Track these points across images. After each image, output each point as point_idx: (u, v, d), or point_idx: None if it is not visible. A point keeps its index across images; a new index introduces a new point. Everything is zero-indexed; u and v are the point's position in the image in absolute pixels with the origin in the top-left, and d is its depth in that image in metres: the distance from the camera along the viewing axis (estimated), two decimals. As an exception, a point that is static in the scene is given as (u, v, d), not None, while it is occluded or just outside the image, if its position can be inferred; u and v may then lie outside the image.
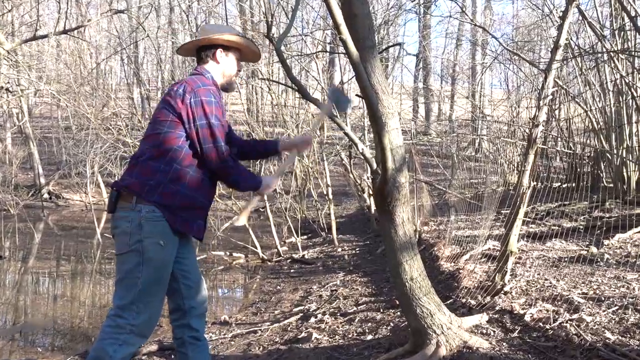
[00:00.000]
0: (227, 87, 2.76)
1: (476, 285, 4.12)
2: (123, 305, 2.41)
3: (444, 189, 9.87)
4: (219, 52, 2.71)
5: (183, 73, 19.78)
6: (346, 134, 3.06)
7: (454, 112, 20.22)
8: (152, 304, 2.44)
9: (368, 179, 9.58)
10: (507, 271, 3.87)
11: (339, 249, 8.07)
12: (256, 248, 8.15)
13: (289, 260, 7.90)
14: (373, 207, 9.06)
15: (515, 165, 8.96)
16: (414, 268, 3.06)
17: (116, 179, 2.99)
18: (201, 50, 2.73)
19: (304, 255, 8.07)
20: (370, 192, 9.26)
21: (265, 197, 9.18)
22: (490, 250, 5.19)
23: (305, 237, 9.92)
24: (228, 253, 8.49)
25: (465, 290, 4.09)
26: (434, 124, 20.50)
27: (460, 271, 4.71)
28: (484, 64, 16.22)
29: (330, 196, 9.15)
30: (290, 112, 11.39)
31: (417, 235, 6.71)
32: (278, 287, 6.39)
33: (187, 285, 2.63)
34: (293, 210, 10.80)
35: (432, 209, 8.40)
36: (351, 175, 9.83)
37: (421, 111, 23.43)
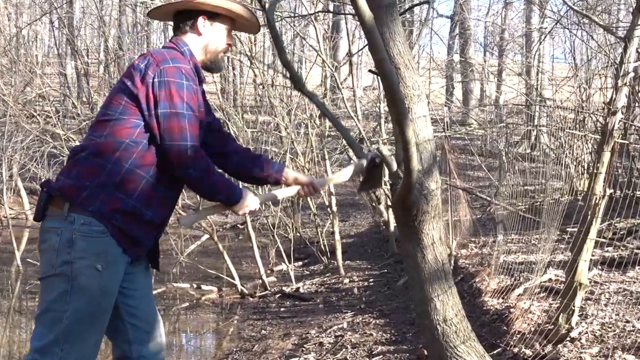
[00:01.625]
0: (212, 66, 2.79)
1: (533, 329, 4.12)
2: (43, 346, 2.39)
3: (488, 198, 9.86)
4: (201, 21, 2.71)
5: (136, 42, 19.83)
6: (346, 137, 3.07)
7: (502, 95, 20.23)
8: (82, 347, 2.43)
9: (386, 184, 9.59)
10: (574, 310, 3.87)
11: (346, 280, 8.07)
12: (233, 278, 8.15)
13: (278, 295, 7.89)
14: (392, 223, 9.06)
15: (585, 167, 8.96)
16: (448, 306, 3.07)
17: (49, 179, 2.96)
18: (179, 16, 2.73)
19: (298, 289, 8.05)
20: (389, 203, 9.26)
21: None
22: (552, 282, 5.18)
23: (300, 263, 9.90)
24: (195, 285, 8.48)
25: (519, 336, 4.09)
26: (474, 110, 20.51)
27: (512, 310, 4.71)
28: (543, 30, 16.24)
29: (335, 208, 9.16)
30: (279, 94, 11.41)
31: (453, 262, 6.71)
32: (263, 332, 6.38)
33: (136, 327, 2.64)
34: (284, 227, 10.79)
35: (473, 226, 8.40)
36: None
37: (457, 93, 23.45)
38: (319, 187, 3.00)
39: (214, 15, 2.71)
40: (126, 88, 2.53)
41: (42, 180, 2.86)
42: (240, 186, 2.81)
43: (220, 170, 2.76)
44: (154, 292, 7.63)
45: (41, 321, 2.44)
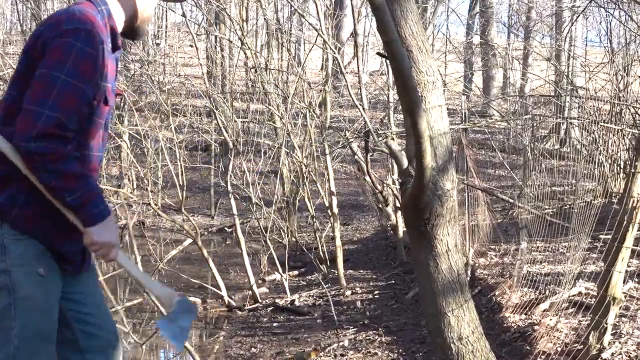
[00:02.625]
0: (134, 33, 2.70)
1: (560, 349, 4.14)
2: None
3: (510, 200, 9.87)
4: None
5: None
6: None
7: (528, 83, 20.25)
8: None
9: (394, 183, 9.59)
10: (607, 328, 3.89)
11: (348, 292, 8.09)
12: (220, 289, 8.17)
13: (270, 309, 7.91)
14: (402, 228, 9.07)
15: (622, 166, 8.97)
16: (463, 322, 3.09)
17: None
18: None
19: (293, 301, 8.07)
20: (398, 205, 9.27)
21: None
22: (582, 296, 5.20)
23: (295, 272, 9.92)
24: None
25: (543, 357, 4.10)
26: (496, 100, 20.54)
27: (536, 328, 4.73)
28: (575, 9, 16.26)
29: (336, 210, 9.18)
30: (274, 79, 11.43)
31: (469, 272, 6.73)
32: (253, 350, 6.40)
33: (88, 333, 2.60)
34: (278, 231, 10.82)
35: (493, 232, 8.42)
36: (368, 178, 9.85)
37: (477, 80, 23.47)
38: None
39: None
40: (22, 55, 2.46)
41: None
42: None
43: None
44: (129, 303, 7.70)
45: None
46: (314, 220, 10.37)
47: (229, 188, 9.34)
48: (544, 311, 5.08)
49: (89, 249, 2.49)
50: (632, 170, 3.92)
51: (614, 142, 8.89)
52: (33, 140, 2.25)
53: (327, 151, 9.43)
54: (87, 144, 2.50)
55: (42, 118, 2.26)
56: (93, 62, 2.39)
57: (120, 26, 2.62)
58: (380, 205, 10.61)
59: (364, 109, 8.73)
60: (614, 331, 4.11)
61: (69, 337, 2.57)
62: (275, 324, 7.23)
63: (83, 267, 2.61)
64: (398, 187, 9.14)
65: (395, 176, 9.59)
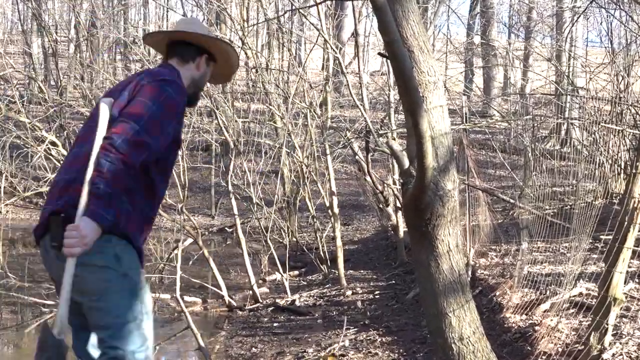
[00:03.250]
0: (193, 100, 3.26)
1: (561, 349, 4.13)
2: (135, 349, 2.93)
3: (511, 200, 9.87)
4: (204, 60, 3.23)
5: (111, 17, 19.82)
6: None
7: (529, 83, 20.25)
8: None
9: (395, 183, 9.59)
10: (607, 329, 3.89)
11: (349, 292, 8.09)
12: (220, 289, 8.17)
13: (270, 309, 7.91)
14: (402, 228, 9.07)
15: (622, 166, 8.97)
16: (464, 322, 3.09)
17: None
18: (179, 46, 3.22)
19: (294, 301, 8.07)
20: (399, 205, 9.27)
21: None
22: (583, 296, 5.19)
23: (296, 272, 9.92)
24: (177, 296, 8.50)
25: (544, 357, 4.10)
26: (497, 100, 20.54)
27: (537, 328, 4.73)
28: (576, 9, 16.26)
29: (336, 210, 9.18)
30: (275, 79, 11.43)
31: (470, 272, 6.72)
32: (253, 350, 6.40)
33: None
34: (278, 231, 10.82)
35: (493, 232, 8.42)
36: (369, 179, 9.86)
37: (478, 80, 23.47)
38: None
39: (213, 58, 3.24)
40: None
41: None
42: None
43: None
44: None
45: (125, 331, 2.89)
46: (315, 220, 10.37)
47: (230, 188, 9.34)
48: (544, 312, 5.07)
49: (67, 231, 2.70)
50: (633, 171, 3.91)
51: (615, 142, 8.89)
52: (120, 139, 2.72)
53: (327, 151, 9.42)
54: (157, 173, 2.98)
55: (134, 131, 2.76)
56: (177, 108, 2.96)
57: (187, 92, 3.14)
58: (381, 206, 10.61)
59: (364, 109, 8.73)
60: (614, 332, 4.11)
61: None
62: (275, 324, 7.23)
63: None
64: (399, 187, 9.14)
65: (396, 176, 9.60)
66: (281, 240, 10.53)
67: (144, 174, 2.90)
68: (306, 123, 10.08)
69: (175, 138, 3.01)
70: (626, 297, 4.61)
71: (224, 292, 8.15)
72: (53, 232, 2.82)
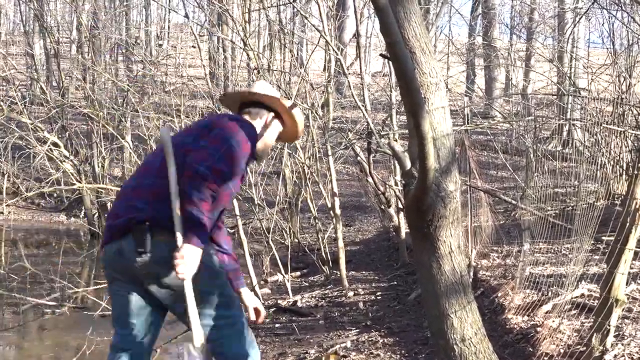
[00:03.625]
0: (261, 156, 3.62)
1: (562, 351, 4.13)
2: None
3: (513, 201, 9.87)
4: (271, 117, 3.58)
5: (113, 18, 19.82)
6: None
7: (531, 84, 20.24)
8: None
9: (397, 184, 9.59)
10: (609, 330, 3.89)
11: (351, 293, 8.09)
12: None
13: (272, 310, 7.91)
14: (404, 229, 9.07)
15: (624, 167, 8.96)
16: (466, 323, 3.09)
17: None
18: (251, 105, 3.60)
19: (295, 302, 8.07)
20: (401, 206, 9.26)
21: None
22: (585, 297, 5.19)
23: (298, 273, 9.92)
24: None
25: (546, 358, 4.10)
26: (498, 101, 20.54)
27: (538, 329, 4.73)
28: (578, 10, 16.26)
29: (338, 211, 9.17)
30: (276, 81, 11.43)
31: (472, 273, 6.72)
32: (255, 351, 6.40)
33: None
34: (280, 232, 10.82)
35: (495, 233, 8.42)
36: (370, 180, 9.86)
37: (479, 81, 23.47)
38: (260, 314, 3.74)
39: (281, 117, 3.59)
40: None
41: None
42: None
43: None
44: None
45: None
46: (317, 221, 10.37)
47: (232, 189, 9.34)
48: (546, 313, 5.07)
49: (175, 259, 3.04)
50: (635, 172, 3.92)
51: (617, 143, 8.90)
52: (203, 167, 3.06)
53: (329, 152, 9.41)
54: (221, 201, 3.23)
55: (214, 158, 3.10)
56: (250, 149, 3.30)
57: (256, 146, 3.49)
58: (383, 207, 10.61)
59: (366, 110, 8.73)
60: (616, 333, 4.11)
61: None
62: (277, 325, 7.23)
63: None
64: (400, 188, 9.14)
65: (398, 177, 9.59)
66: (283, 242, 10.52)
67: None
68: (308, 124, 10.06)
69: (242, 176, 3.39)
70: (628, 299, 4.61)
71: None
72: (138, 239, 3.16)
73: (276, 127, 3.60)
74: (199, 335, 3.18)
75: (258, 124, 3.52)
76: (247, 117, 3.52)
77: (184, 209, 3.06)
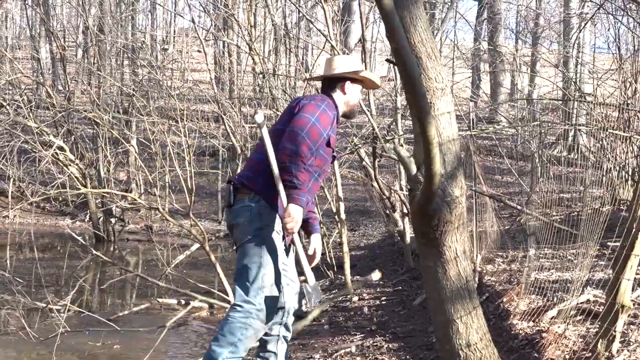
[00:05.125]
0: (349, 115, 4.32)
1: (568, 356, 4.12)
2: (246, 297, 3.86)
3: (518, 207, 9.85)
4: (348, 84, 4.22)
5: (119, 22, 19.88)
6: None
7: (536, 89, 20.23)
8: (272, 296, 3.92)
9: (402, 189, 9.58)
10: (615, 336, 3.88)
11: (355, 298, 8.08)
12: (226, 294, 8.17)
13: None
14: (409, 233, 9.06)
15: (630, 173, 8.94)
16: (472, 329, 3.08)
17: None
18: (329, 79, 4.27)
19: (300, 307, 8.07)
20: (406, 211, 9.26)
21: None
22: (590, 303, 5.18)
23: (302, 277, 9.92)
24: (183, 301, 8.50)
25: (551, 364, 4.09)
26: (504, 106, 20.53)
27: (544, 335, 4.72)
28: (583, 16, 16.25)
29: (343, 216, 9.17)
30: (282, 85, 11.44)
31: (477, 279, 6.71)
32: (260, 356, 6.39)
33: (287, 284, 4.00)
34: (284, 237, 10.81)
35: (500, 238, 8.41)
36: (375, 184, 9.87)
37: (485, 86, 23.47)
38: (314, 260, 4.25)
39: (356, 80, 4.22)
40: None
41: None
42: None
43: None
44: (137, 307, 7.71)
45: (241, 279, 3.89)
46: (322, 225, 10.35)
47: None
48: (552, 318, 5.06)
49: (285, 219, 3.79)
50: (641, 178, 3.91)
51: (622, 149, 8.87)
52: (293, 145, 3.78)
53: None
54: (317, 167, 3.98)
55: (301, 136, 3.78)
56: (328, 120, 3.95)
57: (340, 110, 4.22)
58: (388, 211, 10.60)
59: (371, 114, 8.73)
60: (622, 339, 4.10)
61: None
62: (282, 330, 7.22)
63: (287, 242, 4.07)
64: (405, 193, 9.14)
65: (403, 182, 9.59)
66: (288, 246, 10.51)
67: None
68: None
69: (329, 141, 3.98)
70: (634, 304, 4.60)
71: (231, 298, 8.14)
72: (226, 198, 4.07)
73: (355, 90, 4.25)
74: (311, 276, 3.96)
75: (337, 95, 4.20)
76: (328, 91, 4.22)
77: (285, 179, 3.81)
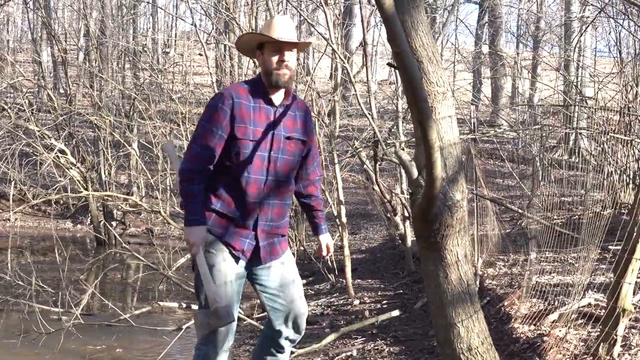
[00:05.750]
0: (272, 83, 3.65)
1: (569, 360, 4.12)
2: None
3: (519, 210, 9.85)
4: (257, 54, 3.76)
5: (121, 26, 19.90)
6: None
7: (537, 93, 20.24)
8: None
9: (403, 192, 9.59)
10: (616, 340, 3.88)
11: (356, 302, 8.08)
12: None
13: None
14: (411, 237, 9.06)
15: (631, 176, 8.94)
16: (473, 333, 3.08)
17: None
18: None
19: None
20: (407, 214, 9.26)
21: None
22: (592, 307, 5.18)
23: (304, 281, 9.92)
24: (184, 305, 8.50)
25: (553, 368, 4.09)
26: (505, 109, 20.53)
27: (545, 339, 4.72)
28: (584, 19, 16.27)
29: (344, 219, 9.17)
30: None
31: (478, 282, 6.71)
32: (261, 359, 6.39)
33: (271, 308, 3.75)
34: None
35: (502, 242, 8.41)
36: (376, 188, 9.86)
37: (486, 90, 23.47)
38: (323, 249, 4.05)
39: (261, 46, 3.70)
40: None
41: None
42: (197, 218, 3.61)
43: (196, 189, 3.61)
44: (138, 311, 7.71)
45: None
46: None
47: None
48: (553, 322, 5.06)
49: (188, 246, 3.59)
50: (642, 182, 3.91)
51: (624, 152, 8.87)
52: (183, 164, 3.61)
53: (335, 160, 9.42)
54: (240, 170, 3.60)
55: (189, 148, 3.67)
56: (215, 112, 3.58)
57: (267, 85, 3.68)
58: (389, 215, 10.60)
59: (372, 118, 8.74)
60: (623, 343, 4.10)
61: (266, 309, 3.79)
62: (283, 333, 7.22)
63: (262, 260, 3.73)
64: (406, 196, 9.14)
65: (404, 185, 9.59)
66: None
67: (220, 173, 3.63)
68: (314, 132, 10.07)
69: (231, 135, 3.57)
70: (635, 308, 4.60)
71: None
72: None
73: (264, 55, 3.71)
74: (211, 299, 3.55)
75: (260, 66, 3.76)
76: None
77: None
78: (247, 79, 4.04)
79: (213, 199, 3.62)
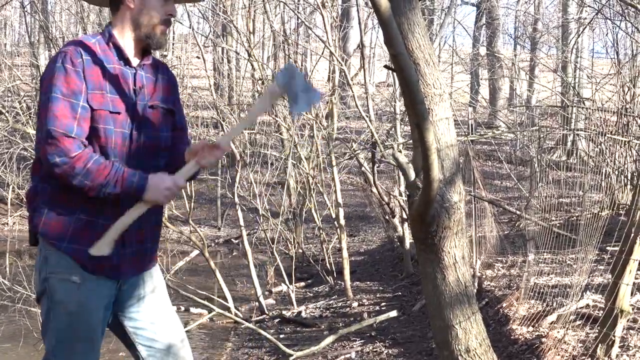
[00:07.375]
0: (148, 41, 2.77)
1: (567, 362, 4.12)
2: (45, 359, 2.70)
3: (517, 212, 9.86)
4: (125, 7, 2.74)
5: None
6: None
7: (535, 94, 20.26)
8: None
9: (401, 195, 9.59)
10: (614, 341, 3.88)
11: (355, 304, 8.08)
12: (226, 300, 8.17)
13: (277, 320, 7.91)
14: (408, 239, 9.07)
15: (629, 177, 8.96)
16: (471, 334, 3.08)
17: None
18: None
19: (300, 313, 8.06)
20: (405, 216, 9.26)
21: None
22: (590, 308, 5.18)
23: (302, 284, 9.92)
24: (182, 308, 8.50)
25: (551, 369, 4.09)
26: (503, 111, 20.55)
27: (543, 340, 4.72)
28: (581, 21, 16.29)
29: (342, 222, 9.18)
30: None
31: (476, 284, 6.72)
32: (260, 362, 6.39)
33: (149, 348, 2.83)
34: (284, 243, 10.82)
35: (500, 243, 8.41)
36: (375, 190, 9.87)
37: (484, 91, 23.50)
38: (222, 146, 2.86)
39: None
40: None
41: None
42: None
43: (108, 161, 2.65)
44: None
45: (44, 340, 2.71)
46: (321, 231, 10.37)
47: (236, 199, 9.35)
48: (551, 323, 5.06)
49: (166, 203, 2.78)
50: (639, 183, 3.92)
51: (621, 153, 8.88)
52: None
53: (333, 162, 9.43)
54: (105, 151, 2.67)
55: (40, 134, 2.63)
56: (68, 77, 2.59)
57: (128, 42, 2.77)
58: (387, 217, 10.60)
59: (370, 120, 8.74)
60: (621, 344, 4.10)
61: (134, 353, 2.85)
62: (282, 336, 7.23)
63: (133, 272, 2.81)
64: (404, 198, 9.15)
65: (402, 187, 9.59)
66: (287, 252, 10.52)
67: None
68: (312, 134, 10.09)
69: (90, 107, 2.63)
70: (633, 309, 4.60)
71: (230, 304, 8.16)
72: None
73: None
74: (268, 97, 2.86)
75: (121, 15, 2.76)
76: (115, 13, 2.79)
77: None
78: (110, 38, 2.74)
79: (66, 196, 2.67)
